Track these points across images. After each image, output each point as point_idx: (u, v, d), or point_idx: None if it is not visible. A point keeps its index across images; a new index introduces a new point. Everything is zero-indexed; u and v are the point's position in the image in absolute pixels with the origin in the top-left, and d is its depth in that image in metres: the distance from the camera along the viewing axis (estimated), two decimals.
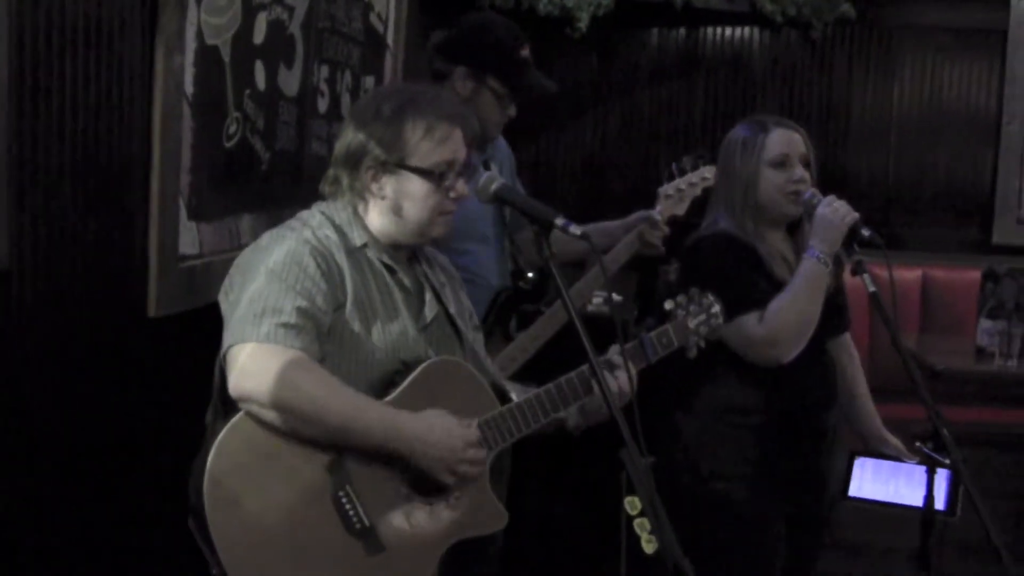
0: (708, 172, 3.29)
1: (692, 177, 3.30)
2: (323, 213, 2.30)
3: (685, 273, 3.08)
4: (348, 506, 2.11)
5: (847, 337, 3.22)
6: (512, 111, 3.26)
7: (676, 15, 5.40)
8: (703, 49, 5.84)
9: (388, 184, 2.27)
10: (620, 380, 2.30)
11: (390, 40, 4.20)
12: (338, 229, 2.27)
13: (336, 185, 2.32)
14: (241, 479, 2.05)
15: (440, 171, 2.27)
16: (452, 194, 2.29)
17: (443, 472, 2.18)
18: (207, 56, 2.81)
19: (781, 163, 2.97)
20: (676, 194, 3.29)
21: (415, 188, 2.26)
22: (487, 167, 3.07)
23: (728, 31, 5.80)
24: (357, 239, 2.27)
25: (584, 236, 2.15)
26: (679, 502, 2.82)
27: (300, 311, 2.11)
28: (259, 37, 3.07)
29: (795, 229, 3.05)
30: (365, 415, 2.12)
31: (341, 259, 2.22)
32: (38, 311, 2.35)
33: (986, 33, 5.73)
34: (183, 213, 2.79)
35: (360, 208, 2.31)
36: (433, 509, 2.21)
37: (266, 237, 2.26)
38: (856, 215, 2.89)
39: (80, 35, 2.40)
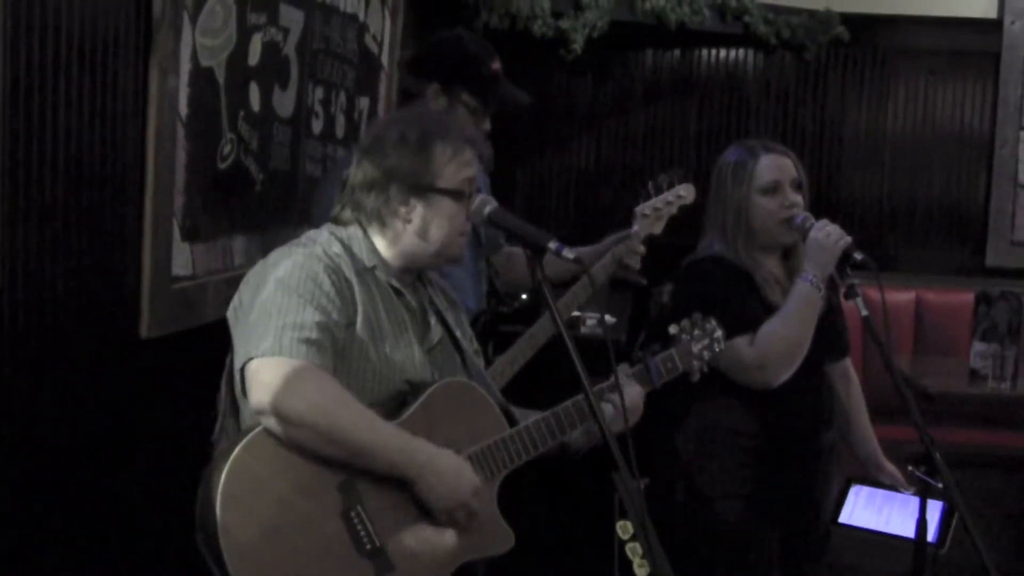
0: (684, 190, 3.27)
1: (668, 196, 3.27)
2: (332, 233, 2.30)
3: (678, 296, 3.09)
4: (359, 526, 2.11)
5: (847, 363, 3.22)
6: (486, 126, 3.22)
7: (670, 37, 5.42)
8: (697, 71, 5.85)
9: (417, 208, 2.28)
10: (616, 401, 2.33)
11: (385, 61, 4.21)
12: (347, 248, 2.27)
13: (358, 212, 2.32)
14: (254, 497, 2.04)
15: (468, 192, 2.31)
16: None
17: (442, 508, 2.18)
18: (201, 77, 2.81)
19: (772, 189, 2.98)
20: (653, 213, 3.26)
21: (444, 210, 2.29)
22: None
23: (722, 53, 5.82)
24: (367, 260, 2.28)
25: (577, 260, 2.16)
26: (674, 521, 2.83)
27: (320, 326, 2.12)
28: (254, 58, 3.08)
29: (790, 253, 3.05)
30: (384, 438, 2.12)
31: (351, 276, 2.23)
32: (31, 331, 2.34)
33: (979, 56, 5.75)
34: (176, 234, 2.79)
35: (371, 231, 2.31)
36: (442, 530, 2.21)
37: (275, 254, 2.26)
38: (849, 239, 2.90)
39: (75, 56, 2.41)
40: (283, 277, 2.16)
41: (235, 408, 2.23)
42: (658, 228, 3.27)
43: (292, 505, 2.07)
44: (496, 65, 3.23)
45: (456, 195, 2.29)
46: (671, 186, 3.27)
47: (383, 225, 2.30)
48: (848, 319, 3.13)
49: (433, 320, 2.38)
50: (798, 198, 2.99)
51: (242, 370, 2.12)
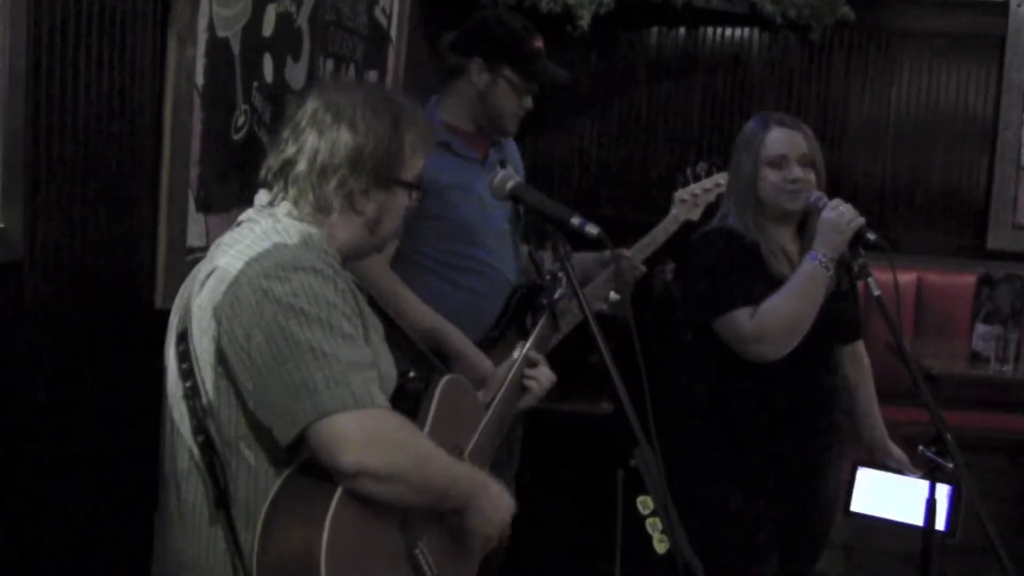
0: (722, 179, 3.31)
1: (706, 183, 3.32)
2: (301, 235, 2.00)
3: (684, 267, 3.14)
4: (423, 562, 2.03)
5: (858, 346, 3.23)
6: (528, 103, 3.28)
7: (676, 15, 5.40)
8: (702, 49, 5.84)
9: (376, 199, 2.05)
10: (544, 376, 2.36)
11: (393, 34, 4.19)
12: (324, 252, 2.02)
13: (304, 194, 2.02)
14: (356, 570, 1.91)
15: (420, 184, 2.13)
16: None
17: (492, 532, 2.14)
18: (218, 48, 2.80)
19: (778, 163, 2.99)
20: (691, 199, 3.32)
21: (398, 203, 2.09)
22: (503, 166, 3.08)
23: (728, 31, 5.81)
24: (336, 261, 2.04)
25: (600, 236, 2.16)
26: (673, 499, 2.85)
27: (368, 356, 1.95)
28: (268, 29, 3.07)
29: (804, 227, 3.06)
30: (458, 473, 2.04)
31: (354, 288, 2.04)
32: (49, 301, 2.34)
33: (984, 39, 5.73)
34: (191, 205, 2.78)
35: (317, 218, 2.04)
36: (472, 545, 2.17)
37: (278, 281, 1.90)
38: (862, 220, 2.91)
39: (94, 26, 2.40)
40: (308, 310, 1.88)
41: (236, 456, 1.98)
42: (695, 215, 3.33)
43: (376, 564, 1.96)
44: (539, 43, 3.28)
45: (411, 187, 2.09)
46: (709, 174, 3.32)
47: (329, 213, 2.03)
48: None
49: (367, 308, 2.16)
50: (806, 175, 3.00)
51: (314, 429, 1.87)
